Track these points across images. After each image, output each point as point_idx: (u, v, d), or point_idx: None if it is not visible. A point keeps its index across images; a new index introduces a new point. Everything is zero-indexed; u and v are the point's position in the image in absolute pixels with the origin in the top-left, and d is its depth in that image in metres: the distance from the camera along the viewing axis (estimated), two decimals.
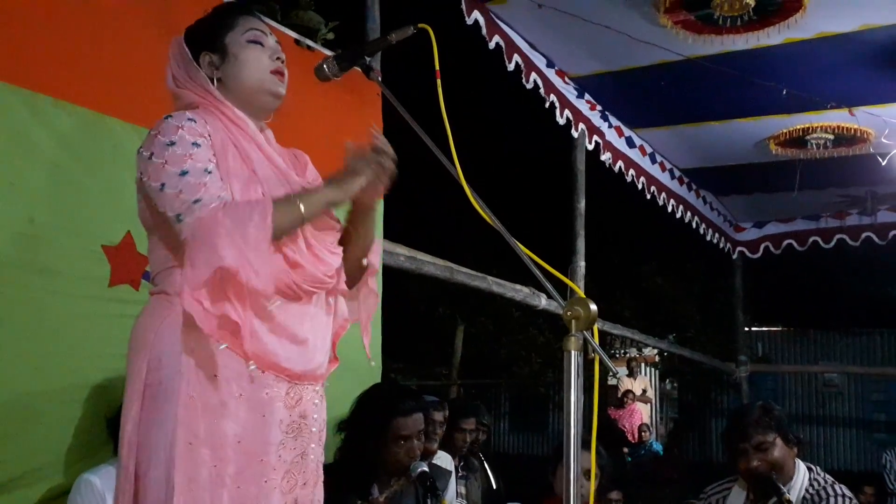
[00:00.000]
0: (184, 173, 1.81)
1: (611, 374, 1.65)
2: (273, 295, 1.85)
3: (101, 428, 2.50)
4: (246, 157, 1.94)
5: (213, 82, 2.00)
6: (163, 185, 1.82)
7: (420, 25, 1.95)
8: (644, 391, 12.46)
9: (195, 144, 1.85)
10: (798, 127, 5.99)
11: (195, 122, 1.89)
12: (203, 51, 2.01)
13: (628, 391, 12.04)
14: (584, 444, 2.25)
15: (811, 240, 8.61)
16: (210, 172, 1.84)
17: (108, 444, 2.49)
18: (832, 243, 8.48)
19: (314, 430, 2.00)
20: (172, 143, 1.84)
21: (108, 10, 2.75)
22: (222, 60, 2.01)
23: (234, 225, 1.76)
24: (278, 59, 2.03)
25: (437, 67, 1.92)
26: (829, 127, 5.90)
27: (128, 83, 2.77)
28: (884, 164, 6.09)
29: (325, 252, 2.00)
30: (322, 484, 2.09)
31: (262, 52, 2.02)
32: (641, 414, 12.06)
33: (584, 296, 1.60)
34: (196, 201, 1.79)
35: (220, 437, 1.83)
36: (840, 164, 6.53)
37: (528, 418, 17.35)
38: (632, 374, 12.63)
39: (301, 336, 1.94)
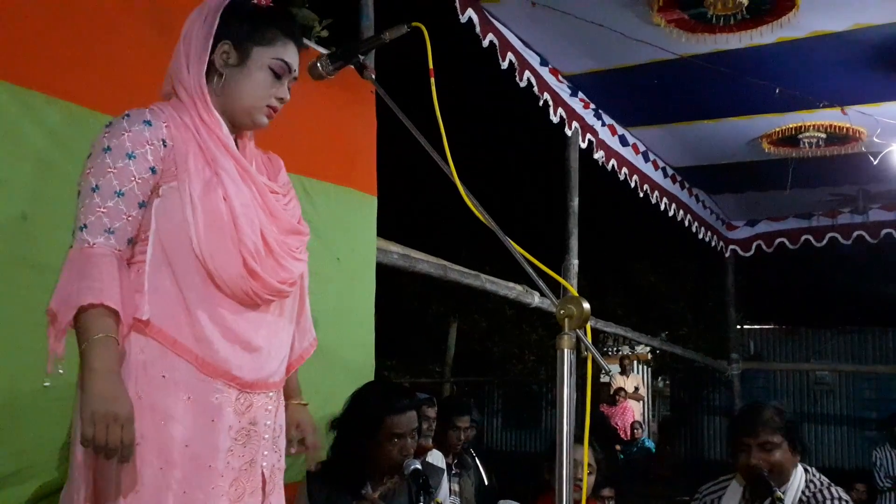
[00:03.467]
0: (95, 188, 1.81)
1: (603, 371, 1.66)
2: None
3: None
4: (211, 160, 1.90)
5: (212, 77, 1.96)
6: (79, 192, 1.84)
7: (414, 24, 1.95)
8: (636, 388, 12.50)
9: (130, 156, 1.83)
10: (790, 126, 6.01)
11: (151, 125, 1.86)
12: (228, 39, 1.95)
13: (620, 389, 12.08)
14: (579, 441, 2.26)
15: (803, 238, 8.64)
16: (122, 195, 1.81)
17: None
18: (824, 242, 8.50)
19: (266, 437, 1.96)
20: (107, 150, 1.83)
21: (101, 6, 2.74)
22: (237, 65, 1.96)
23: (65, 279, 1.78)
24: (281, 99, 1.99)
25: (431, 66, 1.91)
26: (822, 126, 5.92)
27: (121, 80, 2.76)
28: (875, 163, 6.11)
29: (288, 258, 1.97)
30: (281, 492, 2.05)
31: (271, 85, 1.97)
32: (633, 411, 12.10)
33: (577, 294, 1.61)
34: (82, 227, 1.81)
35: (168, 440, 1.81)
36: (832, 163, 6.55)
37: (521, 416, 17.37)
38: (624, 371, 12.67)
39: (255, 344, 1.91)
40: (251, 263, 1.86)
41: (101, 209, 1.80)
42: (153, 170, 1.85)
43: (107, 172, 1.81)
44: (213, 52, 1.94)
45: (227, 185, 1.88)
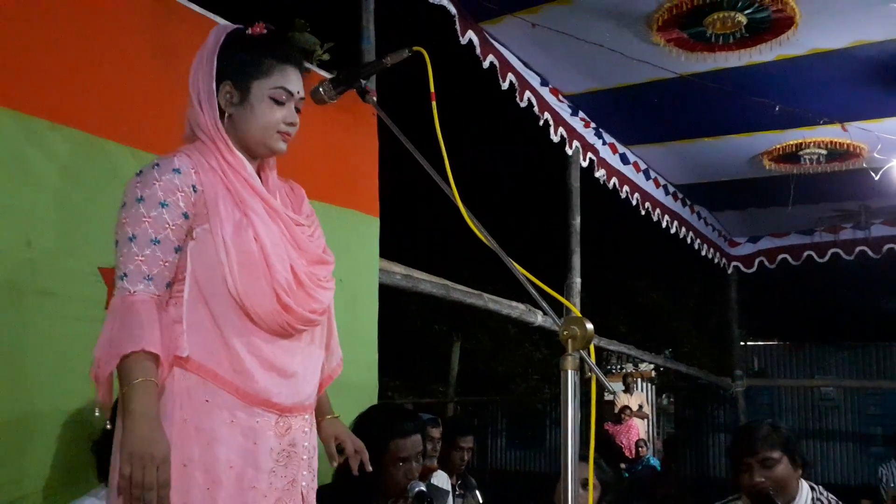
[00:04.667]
0: (132, 238, 1.89)
1: (607, 391, 1.66)
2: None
3: (87, 453, 2.47)
4: (239, 201, 1.97)
5: (223, 116, 2.01)
6: (116, 241, 1.92)
7: (415, 48, 1.97)
8: (640, 406, 12.45)
9: (163, 205, 1.90)
10: (791, 142, 6.03)
11: (180, 173, 1.93)
12: (228, 80, 2.01)
13: (626, 407, 12.03)
14: (585, 459, 2.26)
15: (805, 254, 8.64)
16: (158, 243, 1.89)
17: (91, 470, 2.46)
18: (826, 257, 8.51)
19: (304, 457, 2.05)
20: (140, 200, 1.90)
21: (106, 34, 2.76)
22: (240, 102, 2.01)
23: (108, 328, 1.86)
24: (291, 123, 2.04)
25: (433, 90, 1.94)
26: (822, 142, 5.94)
27: (124, 106, 2.77)
28: (877, 178, 6.12)
29: (316, 288, 2.04)
30: None
31: (277, 112, 2.02)
32: (638, 429, 12.04)
33: (580, 315, 1.61)
34: (123, 276, 1.89)
35: (213, 462, 1.88)
36: (833, 179, 6.57)
37: (525, 435, 17.30)
38: (628, 389, 12.63)
39: (291, 370, 1.99)
40: (284, 298, 1.94)
41: (139, 258, 1.88)
42: (185, 215, 1.93)
43: (142, 221, 1.89)
44: (217, 93, 2.01)
45: (257, 224, 1.96)
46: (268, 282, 1.93)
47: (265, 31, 2.07)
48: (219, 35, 2.03)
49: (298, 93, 2.05)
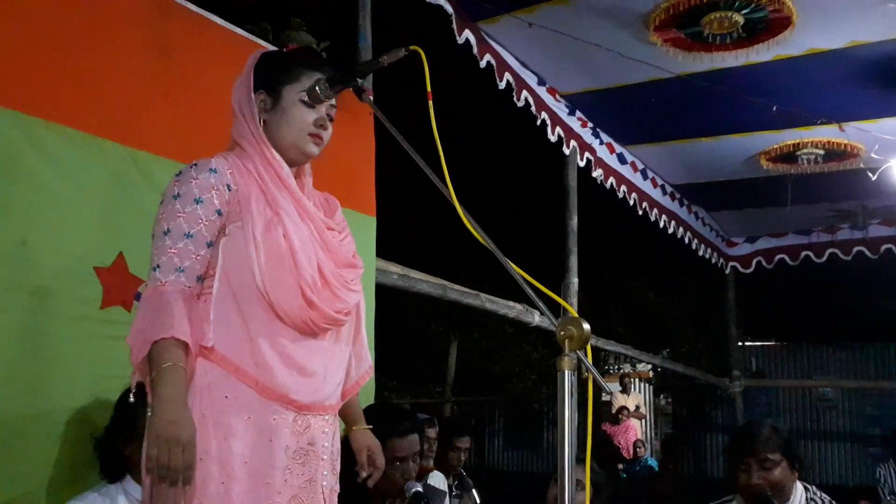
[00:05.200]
0: (166, 232, 1.98)
1: (604, 392, 1.66)
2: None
3: (91, 450, 2.48)
4: (272, 201, 2.05)
5: (259, 122, 2.11)
6: (153, 235, 2.01)
7: (412, 48, 1.97)
8: (637, 407, 12.46)
9: (197, 201, 1.99)
10: (788, 142, 6.04)
11: (216, 172, 2.02)
12: (261, 89, 2.12)
13: (623, 407, 12.03)
14: (581, 461, 2.25)
15: (803, 254, 8.65)
16: (191, 237, 1.98)
17: (93, 467, 2.47)
18: (824, 258, 8.51)
19: (324, 458, 2.09)
20: (177, 196, 2.00)
21: (103, 33, 2.76)
22: (273, 107, 2.12)
23: (141, 316, 1.95)
24: (322, 125, 2.13)
25: (429, 89, 1.95)
26: (820, 142, 5.95)
27: (121, 105, 2.77)
28: (874, 178, 6.12)
29: (343, 289, 2.10)
30: None
31: (308, 115, 2.11)
32: (636, 430, 12.05)
33: (577, 315, 1.61)
34: (156, 268, 1.97)
35: (229, 457, 1.94)
36: (831, 179, 6.58)
37: (522, 435, 17.28)
38: (625, 390, 12.63)
39: (311, 369, 2.05)
40: (309, 294, 2.00)
41: (172, 250, 1.97)
42: (219, 212, 2.02)
43: (177, 217, 1.98)
44: (254, 103, 2.12)
45: (287, 223, 2.03)
46: (294, 278, 1.99)
47: (296, 48, 2.24)
48: (256, 55, 2.18)
49: (328, 98, 2.13)
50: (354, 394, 2.33)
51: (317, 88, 2.10)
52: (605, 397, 12.98)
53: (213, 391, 1.96)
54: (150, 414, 1.88)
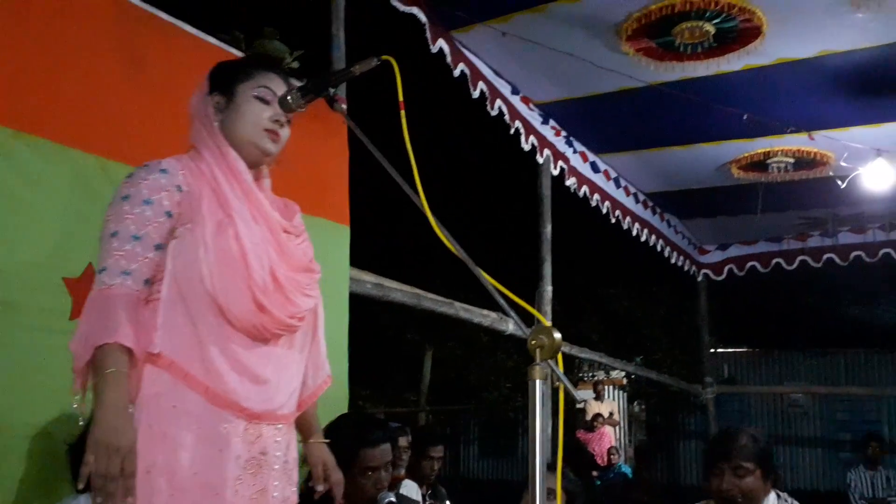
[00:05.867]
0: (114, 234, 1.92)
1: (580, 400, 1.66)
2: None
3: (60, 464, 2.44)
4: (224, 203, 2.00)
5: (214, 122, 2.08)
6: (101, 237, 1.95)
7: (384, 57, 1.97)
8: (611, 414, 12.48)
9: (147, 202, 1.94)
10: (759, 151, 6.10)
11: (167, 173, 1.98)
12: (216, 91, 2.10)
13: (598, 415, 12.05)
14: (553, 469, 2.25)
15: (774, 261, 8.72)
16: (138, 239, 1.92)
17: (65, 478, 2.44)
18: (795, 265, 8.58)
19: (276, 467, 2.02)
20: (126, 198, 1.94)
21: (72, 42, 2.73)
22: (226, 106, 2.09)
23: (84, 320, 1.89)
24: (277, 121, 2.10)
25: (401, 99, 1.93)
26: (789, 151, 6.01)
27: (91, 114, 2.74)
28: (843, 186, 6.19)
29: (297, 294, 2.04)
30: None
31: (263, 110, 2.08)
32: (611, 437, 12.07)
33: (548, 324, 1.61)
34: (101, 270, 1.91)
35: (177, 469, 1.88)
36: (801, 187, 6.65)
37: (497, 443, 17.30)
38: (599, 396, 12.65)
39: (263, 376, 1.98)
40: (259, 298, 1.95)
41: (119, 252, 1.91)
42: (169, 214, 1.96)
43: (125, 218, 1.93)
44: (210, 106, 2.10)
45: (239, 225, 1.98)
46: (244, 281, 1.94)
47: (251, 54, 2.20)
48: (209, 73, 2.15)
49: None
50: (311, 404, 2.26)
51: (289, 98, 2.08)
52: (579, 404, 13.00)
53: (160, 401, 1.90)
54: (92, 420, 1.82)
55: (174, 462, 1.87)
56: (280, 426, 2.04)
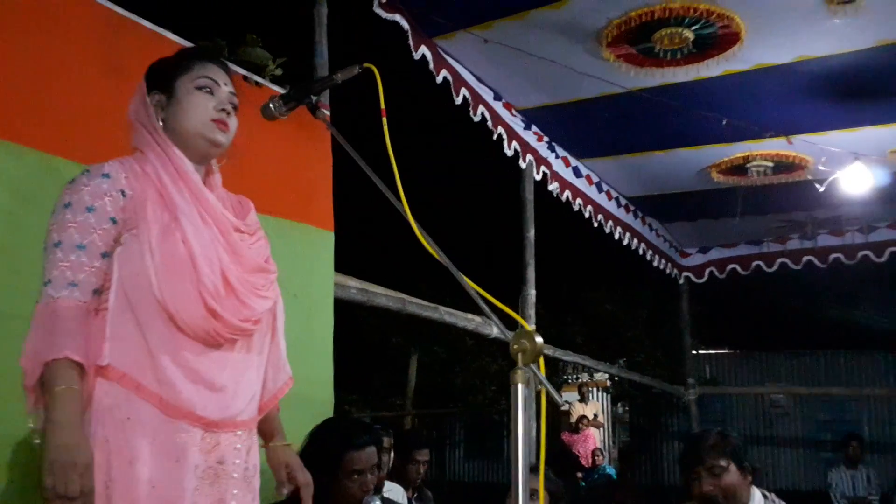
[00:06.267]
0: (57, 244, 1.85)
1: (562, 403, 1.68)
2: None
3: (29, 469, 2.43)
4: (170, 205, 1.94)
5: (159, 122, 2.01)
6: (44, 247, 1.88)
7: (365, 65, 1.98)
8: (595, 415, 12.52)
9: (90, 209, 1.87)
10: (738, 155, 6.15)
11: (109, 177, 1.91)
12: (155, 90, 2.03)
13: (583, 417, 12.09)
14: (534, 472, 2.28)
15: (754, 264, 8.78)
16: (83, 248, 1.86)
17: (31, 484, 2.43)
18: (775, 267, 8.65)
19: (235, 475, 1.96)
20: (68, 205, 1.88)
21: (55, 50, 2.74)
22: (168, 102, 2.02)
23: (31, 336, 1.83)
24: (223, 109, 2.03)
25: (383, 106, 1.93)
26: (769, 155, 6.07)
27: (75, 123, 2.75)
28: (821, 189, 6.25)
29: (251, 296, 1.98)
30: None
31: (207, 100, 2.02)
32: (595, 439, 12.12)
33: (530, 328, 1.63)
34: (47, 282, 1.84)
35: (134, 482, 1.83)
36: (780, 191, 6.71)
37: (483, 446, 17.32)
38: (583, 398, 12.70)
39: (219, 383, 1.93)
40: (211, 303, 1.88)
41: (64, 263, 1.84)
42: (113, 220, 1.89)
43: (68, 227, 1.86)
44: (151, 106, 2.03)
45: (186, 227, 1.91)
46: (194, 286, 1.87)
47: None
48: (145, 74, 2.08)
49: (226, 84, 2.07)
50: (273, 406, 2.18)
51: (271, 106, 2.08)
52: (564, 406, 13.01)
53: (114, 413, 1.84)
54: (44, 440, 1.75)
55: (131, 475, 1.82)
56: (240, 433, 1.99)
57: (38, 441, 1.79)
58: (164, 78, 2.04)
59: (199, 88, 2.03)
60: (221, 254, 1.95)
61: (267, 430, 2.18)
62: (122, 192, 1.91)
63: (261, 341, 2.07)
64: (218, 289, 1.91)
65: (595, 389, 15.71)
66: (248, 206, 2.16)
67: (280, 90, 3.37)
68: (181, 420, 1.87)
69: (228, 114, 2.05)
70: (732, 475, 2.93)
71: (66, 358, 1.78)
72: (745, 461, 2.97)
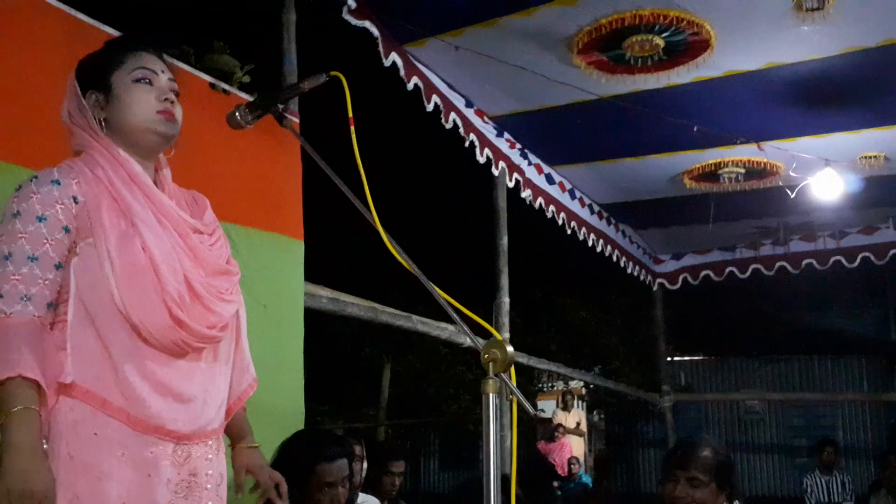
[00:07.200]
0: (7, 256, 1.77)
1: (536, 412, 1.66)
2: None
3: None
4: (126, 210, 1.86)
5: (99, 122, 1.93)
6: None
7: (332, 73, 1.95)
8: (578, 424, 12.52)
9: (40, 219, 1.79)
10: (710, 161, 6.18)
11: (60, 184, 1.83)
12: (90, 89, 1.94)
13: (559, 425, 12.10)
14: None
15: (727, 270, 8.82)
16: (35, 259, 1.77)
17: None
18: (748, 273, 8.70)
19: (208, 486, 1.92)
20: (17, 215, 1.79)
21: (18, 60, 2.69)
22: (107, 101, 1.94)
23: None
24: (167, 98, 1.96)
25: (351, 115, 1.88)
26: (740, 161, 6.11)
27: (40, 133, 2.68)
28: (793, 196, 6.30)
29: (216, 301, 1.92)
30: None
31: (148, 92, 1.94)
32: (570, 447, 12.12)
33: (501, 338, 1.61)
34: None
35: (103, 500, 1.76)
36: (752, 197, 6.74)
37: (458, 456, 17.28)
38: (566, 407, 12.71)
39: (189, 394, 1.87)
40: (176, 312, 1.82)
41: (16, 276, 1.76)
42: (66, 229, 1.82)
43: (18, 238, 1.78)
44: (88, 108, 1.94)
45: (145, 233, 1.84)
46: (158, 294, 1.80)
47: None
48: (72, 75, 2.00)
49: (164, 71, 1.99)
50: (239, 408, 2.12)
51: (237, 115, 2.03)
52: (545, 414, 13.02)
53: (79, 429, 1.77)
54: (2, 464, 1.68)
55: (99, 493, 1.76)
56: (210, 442, 1.94)
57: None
58: (97, 75, 1.95)
59: (137, 81, 1.94)
60: (183, 259, 1.88)
61: (235, 431, 2.13)
62: (74, 199, 1.83)
63: (227, 350, 2.02)
64: (182, 296, 1.84)
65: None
66: (204, 204, 2.09)
67: (249, 98, 3.33)
68: (151, 434, 1.81)
69: (172, 102, 1.97)
70: (709, 493, 2.90)
71: (20, 376, 1.69)
72: (728, 483, 2.94)
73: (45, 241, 1.79)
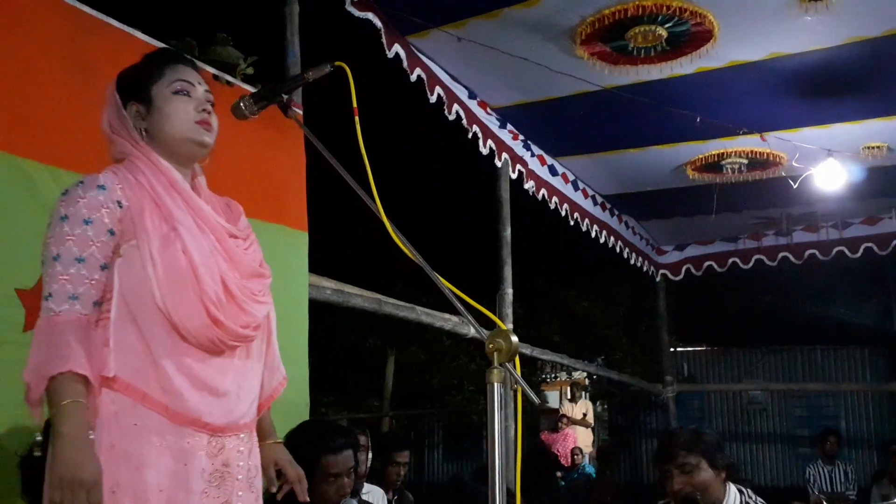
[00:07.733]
0: (56, 258, 1.86)
1: (538, 402, 1.67)
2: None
3: (11, 475, 2.40)
4: (167, 215, 1.95)
5: (140, 132, 2.01)
6: (42, 261, 1.89)
7: (337, 63, 1.96)
8: (585, 415, 12.52)
9: (87, 222, 1.88)
10: (713, 152, 6.18)
11: (105, 189, 1.92)
12: (131, 100, 2.02)
13: (563, 416, 12.11)
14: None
15: (730, 261, 8.83)
16: (82, 261, 1.87)
17: (14, 493, 2.40)
18: (751, 264, 8.70)
19: (240, 477, 2.01)
20: (65, 218, 1.89)
21: (22, 51, 2.70)
22: (148, 111, 2.02)
23: (35, 350, 1.84)
24: (204, 109, 2.04)
25: (355, 105, 1.92)
26: (743, 152, 6.10)
27: (42, 123, 2.71)
28: (795, 186, 6.29)
29: (250, 301, 2.01)
30: None
31: (187, 103, 2.02)
32: (574, 438, 12.12)
33: (505, 328, 1.62)
34: (48, 297, 1.86)
35: (142, 487, 1.84)
36: (755, 188, 6.74)
37: (461, 447, 17.28)
38: (573, 398, 12.71)
39: (223, 389, 1.96)
40: (214, 312, 1.91)
41: (64, 277, 1.85)
42: (111, 232, 1.91)
43: (66, 240, 1.87)
44: (129, 119, 2.02)
45: (185, 237, 1.93)
46: (197, 295, 1.90)
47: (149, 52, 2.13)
48: (112, 85, 2.07)
49: (200, 83, 2.07)
50: (267, 407, 2.23)
51: (242, 105, 2.06)
52: (553, 405, 13.03)
53: (120, 420, 1.87)
54: (51, 454, 1.78)
55: (139, 480, 1.84)
56: (242, 435, 2.03)
57: (37, 454, 1.85)
58: (138, 88, 2.03)
59: (177, 93, 2.02)
60: (220, 262, 1.97)
61: (261, 429, 2.21)
62: (119, 203, 1.92)
63: (259, 348, 2.11)
64: (219, 297, 1.93)
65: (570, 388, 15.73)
66: (238, 210, 2.18)
67: (252, 89, 3.33)
68: (187, 426, 1.90)
69: (209, 113, 2.06)
70: (704, 473, 2.91)
71: (70, 371, 1.78)
72: (719, 458, 2.95)
73: (92, 242, 1.89)
